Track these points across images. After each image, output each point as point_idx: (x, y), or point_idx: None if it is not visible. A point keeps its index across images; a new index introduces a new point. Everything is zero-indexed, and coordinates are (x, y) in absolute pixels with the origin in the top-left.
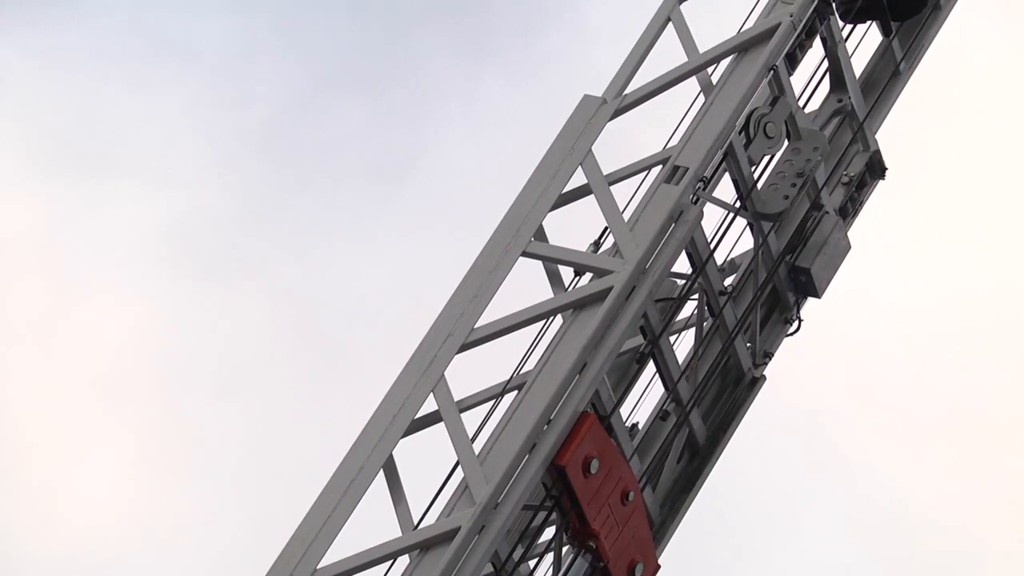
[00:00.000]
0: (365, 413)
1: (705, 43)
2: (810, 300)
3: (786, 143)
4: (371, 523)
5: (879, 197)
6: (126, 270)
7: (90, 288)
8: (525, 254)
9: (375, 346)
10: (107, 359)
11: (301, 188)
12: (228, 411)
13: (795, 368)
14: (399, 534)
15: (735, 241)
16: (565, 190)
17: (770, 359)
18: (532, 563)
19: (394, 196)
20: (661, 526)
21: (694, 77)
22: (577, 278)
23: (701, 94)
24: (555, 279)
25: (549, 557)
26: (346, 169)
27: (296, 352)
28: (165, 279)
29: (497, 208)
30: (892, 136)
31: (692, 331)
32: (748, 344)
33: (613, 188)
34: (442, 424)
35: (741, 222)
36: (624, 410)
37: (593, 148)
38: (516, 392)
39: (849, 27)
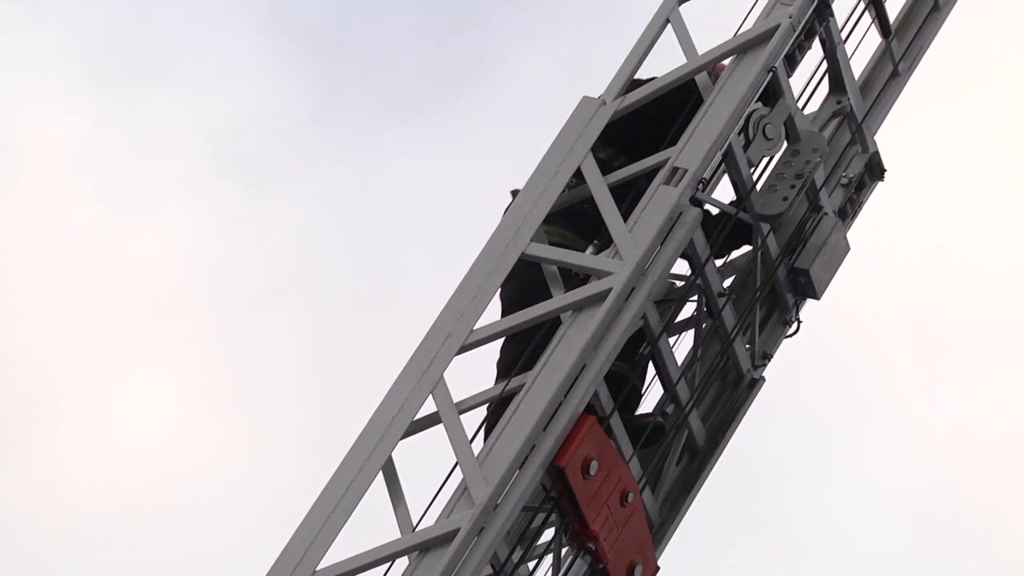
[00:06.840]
0: (414, 325)
1: (704, 44)
2: (809, 301)
3: (785, 144)
4: (370, 525)
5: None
6: (176, 177)
7: (140, 197)
8: (524, 255)
9: (427, 255)
10: (159, 269)
11: (353, 93)
12: (275, 321)
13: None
14: (398, 535)
15: None
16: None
17: (769, 360)
18: (531, 564)
19: (448, 103)
20: (660, 527)
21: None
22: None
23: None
24: (554, 280)
25: (549, 559)
26: (399, 73)
27: (346, 260)
28: (215, 186)
29: (555, 118)
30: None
31: (691, 332)
32: (747, 345)
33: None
34: (441, 425)
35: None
36: None
37: (592, 149)
38: (515, 393)
39: (848, 28)
